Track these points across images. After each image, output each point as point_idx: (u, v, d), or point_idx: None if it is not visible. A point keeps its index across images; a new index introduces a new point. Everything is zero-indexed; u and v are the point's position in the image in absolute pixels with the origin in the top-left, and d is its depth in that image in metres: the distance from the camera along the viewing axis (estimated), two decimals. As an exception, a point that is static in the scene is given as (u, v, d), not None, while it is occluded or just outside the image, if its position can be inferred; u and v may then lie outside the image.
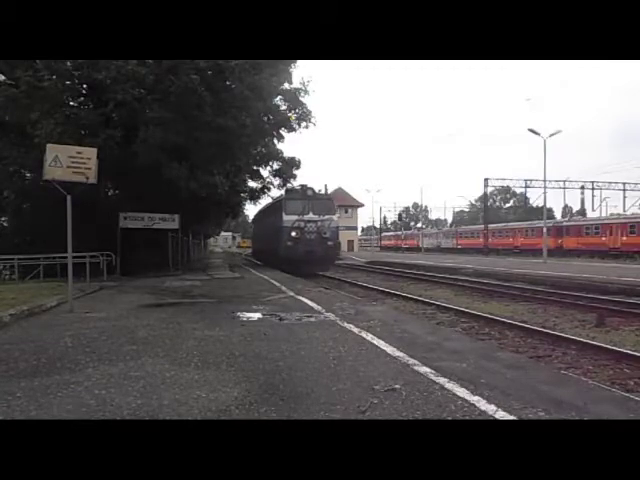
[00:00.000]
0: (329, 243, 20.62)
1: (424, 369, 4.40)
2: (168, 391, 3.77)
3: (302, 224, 20.22)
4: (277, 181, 24.96)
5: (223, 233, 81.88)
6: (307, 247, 19.96)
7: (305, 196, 20.88)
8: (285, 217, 20.40)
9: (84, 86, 15.05)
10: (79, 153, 8.27)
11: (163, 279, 15.42)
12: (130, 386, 3.90)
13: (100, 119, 13.82)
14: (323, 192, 22.39)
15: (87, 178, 8.14)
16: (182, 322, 7.03)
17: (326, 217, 20.67)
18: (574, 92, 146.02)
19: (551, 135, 29.41)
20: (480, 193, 69.69)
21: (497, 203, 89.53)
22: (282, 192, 23.48)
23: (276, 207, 22.70)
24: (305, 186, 21.63)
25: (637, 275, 15.86)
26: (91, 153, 8.36)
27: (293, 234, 20.11)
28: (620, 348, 6.86)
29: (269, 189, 25.84)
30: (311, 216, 20.39)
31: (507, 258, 34.60)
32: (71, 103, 14.93)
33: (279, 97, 17.68)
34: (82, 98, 15.65)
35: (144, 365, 4.57)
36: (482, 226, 52.16)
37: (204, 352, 5.09)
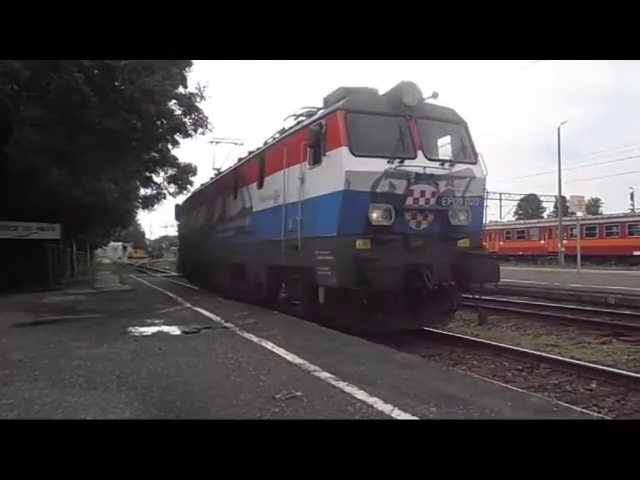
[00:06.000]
0: (460, 242, 7.74)
1: (324, 374, 4.44)
2: (49, 417, 3.38)
3: (399, 187, 7.14)
4: (172, 188, 23.91)
5: (112, 243, 76.70)
6: (412, 255, 7.24)
7: (399, 106, 7.59)
8: (349, 163, 7.02)
9: None
10: None
11: (42, 294, 13.95)
12: (1, 416, 3.44)
13: None
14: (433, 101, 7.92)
15: None
16: (65, 340, 6.41)
17: (460, 168, 7.62)
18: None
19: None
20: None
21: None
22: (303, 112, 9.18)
23: (299, 138, 8.38)
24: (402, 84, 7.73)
25: (511, 276, 17.61)
26: None
27: (375, 216, 6.99)
28: (500, 343, 7.53)
29: (164, 196, 24.70)
30: (422, 161, 7.36)
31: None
32: None
33: (173, 101, 17.05)
34: None
35: (19, 391, 4.07)
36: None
37: (91, 372, 4.67)
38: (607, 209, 66.88)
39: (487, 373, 6.08)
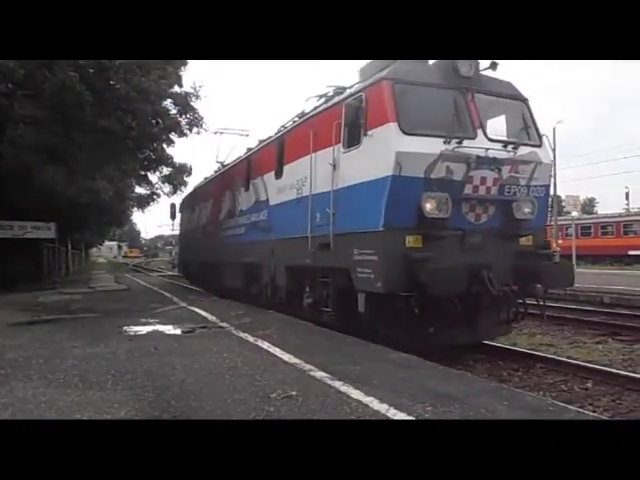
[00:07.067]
0: (522, 240, 6.63)
1: (320, 374, 4.43)
2: (43, 417, 3.37)
3: (456, 172, 5.96)
4: (167, 188, 23.86)
5: (107, 242, 76.52)
6: (470, 254, 6.08)
7: (454, 78, 6.34)
8: (399, 142, 5.77)
9: None
10: None
11: (37, 293, 13.88)
12: (-5, 415, 3.42)
13: None
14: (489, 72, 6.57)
15: None
16: (60, 340, 6.39)
17: (524, 152, 6.42)
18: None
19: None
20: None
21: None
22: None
23: (330, 117, 7.00)
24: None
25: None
26: None
27: (429, 207, 5.78)
28: (495, 343, 7.54)
29: (159, 195, 24.64)
30: (482, 142, 6.17)
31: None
32: None
33: (169, 100, 17.03)
34: None
35: (14, 390, 4.06)
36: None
37: (86, 371, 4.66)
38: (602, 209, 67.17)
39: (483, 372, 6.10)
